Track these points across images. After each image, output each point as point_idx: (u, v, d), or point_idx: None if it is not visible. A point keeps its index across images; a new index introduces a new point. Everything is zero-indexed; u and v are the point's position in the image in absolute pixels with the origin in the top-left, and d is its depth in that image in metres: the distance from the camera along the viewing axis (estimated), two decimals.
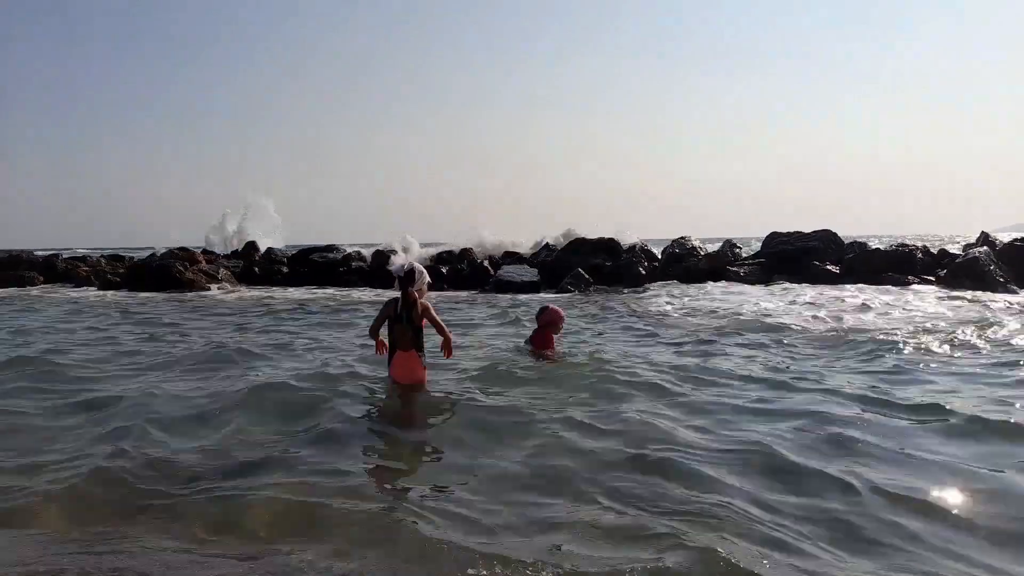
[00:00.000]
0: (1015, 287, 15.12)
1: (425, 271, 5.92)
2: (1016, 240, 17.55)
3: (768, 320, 10.82)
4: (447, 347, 5.90)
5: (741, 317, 11.35)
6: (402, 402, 5.64)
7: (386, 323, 5.78)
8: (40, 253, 31.03)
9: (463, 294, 18.07)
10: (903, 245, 19.17)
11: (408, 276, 5.67)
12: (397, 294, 5.76)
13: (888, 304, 12.62)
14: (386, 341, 5.79)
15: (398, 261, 6.13)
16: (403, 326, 5.67)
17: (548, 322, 7.51)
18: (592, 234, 21.88)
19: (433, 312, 5.79)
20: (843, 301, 13.16)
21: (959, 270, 16.08)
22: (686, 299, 14.80)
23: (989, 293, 14.24)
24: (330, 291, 19.69)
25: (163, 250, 25.16)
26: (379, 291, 19.02)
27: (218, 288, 20.70)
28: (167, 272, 21.47)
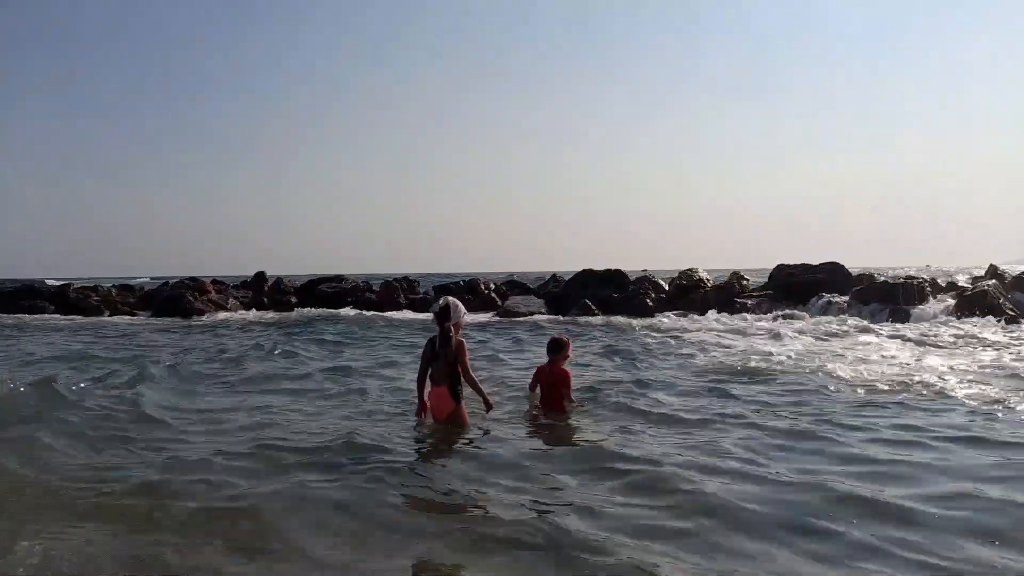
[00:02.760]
0: None
1: (461, 305, 5.90)
2: None
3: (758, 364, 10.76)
4: (487, 406, 5.94)
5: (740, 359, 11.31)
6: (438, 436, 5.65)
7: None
8: (51, 283, 31.33)
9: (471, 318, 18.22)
10: (911, 277, 19.13)
11: (443, 312, 5.67)
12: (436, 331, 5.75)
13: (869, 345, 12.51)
14: (427, 401, 5.86)
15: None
16: (439, 364, 5.69)
17: (566, 356, 6.56)
18: (600, 265, 22.02)
19: (467, 361, 5.72)
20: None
21: (968, 303, 16.01)
22: (688, 335, 14.79)
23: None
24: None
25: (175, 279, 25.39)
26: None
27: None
28: (178, 301, 21.72)
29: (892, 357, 10.03)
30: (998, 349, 10.74)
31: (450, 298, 5.89)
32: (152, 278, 44.60)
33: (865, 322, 15.37)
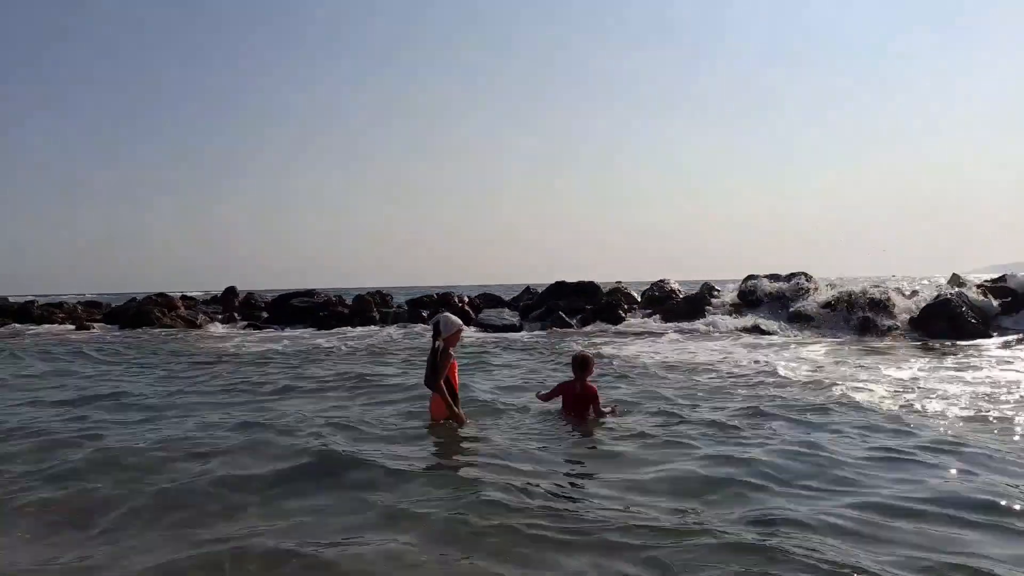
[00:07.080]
0: (987, 330, 15.38)
1: (452, 317, 6.26)
2: (986, 282, 17.90)
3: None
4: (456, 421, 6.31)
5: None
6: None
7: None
8: (13, 299, 30.61)
9: None
10: (876, 286, 19.46)
11: (434, 328, 6.20)
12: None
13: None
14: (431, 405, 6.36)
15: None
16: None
17: (590, 372, 6.69)
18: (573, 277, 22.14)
19: (443, 372, 6.07)
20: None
21: (930, 312, 16.34)
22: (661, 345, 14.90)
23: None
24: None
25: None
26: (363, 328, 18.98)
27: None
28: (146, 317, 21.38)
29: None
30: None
31: (448, 315, 6.34)
32: (134, 294, 43.63)
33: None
